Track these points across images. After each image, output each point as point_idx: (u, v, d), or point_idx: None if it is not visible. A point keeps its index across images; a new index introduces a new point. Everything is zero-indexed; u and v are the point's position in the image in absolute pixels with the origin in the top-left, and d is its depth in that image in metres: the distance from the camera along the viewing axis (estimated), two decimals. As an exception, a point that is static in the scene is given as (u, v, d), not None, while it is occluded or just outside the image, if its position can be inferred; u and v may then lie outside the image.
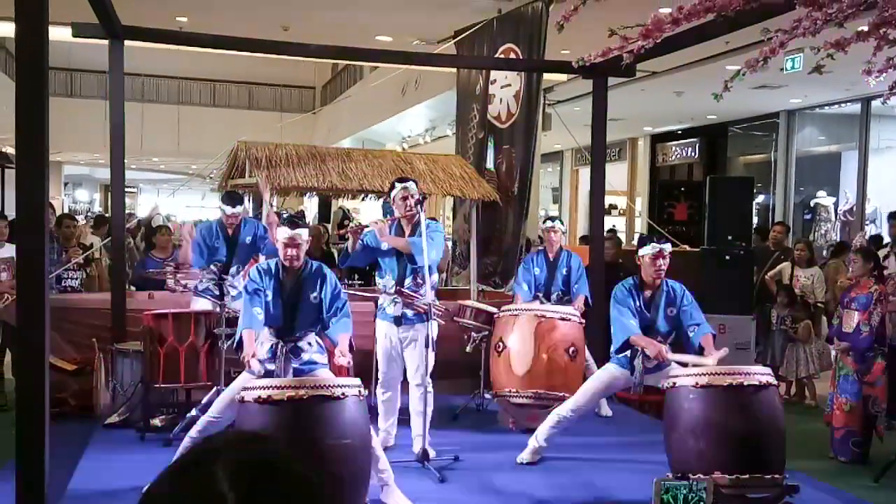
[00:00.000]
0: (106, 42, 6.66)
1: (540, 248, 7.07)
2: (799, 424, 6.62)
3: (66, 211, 22.43)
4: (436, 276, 5.44)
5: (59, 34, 6.74)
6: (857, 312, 6.08)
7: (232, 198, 6.48)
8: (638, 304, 5.09)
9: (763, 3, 3.49)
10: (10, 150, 17.65)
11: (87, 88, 25.42)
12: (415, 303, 5.28)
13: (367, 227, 5.57)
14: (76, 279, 7.96)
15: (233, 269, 6.19)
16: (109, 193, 7.54)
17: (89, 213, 26.87)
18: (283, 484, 0.90)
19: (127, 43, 6.78)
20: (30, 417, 3.96)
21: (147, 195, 36.66)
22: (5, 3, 3.96)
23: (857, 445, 6.05)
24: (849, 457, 6.05)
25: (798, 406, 7.86)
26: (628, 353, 5.03)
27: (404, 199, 5.33)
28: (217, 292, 6.04)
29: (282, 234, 4.50)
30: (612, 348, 5.13)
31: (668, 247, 5.07)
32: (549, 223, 6.83)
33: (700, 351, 4.95)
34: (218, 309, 5.74)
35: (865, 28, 3.31)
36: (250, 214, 6.93)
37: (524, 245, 8.32)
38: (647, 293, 5.12)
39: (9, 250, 6.59)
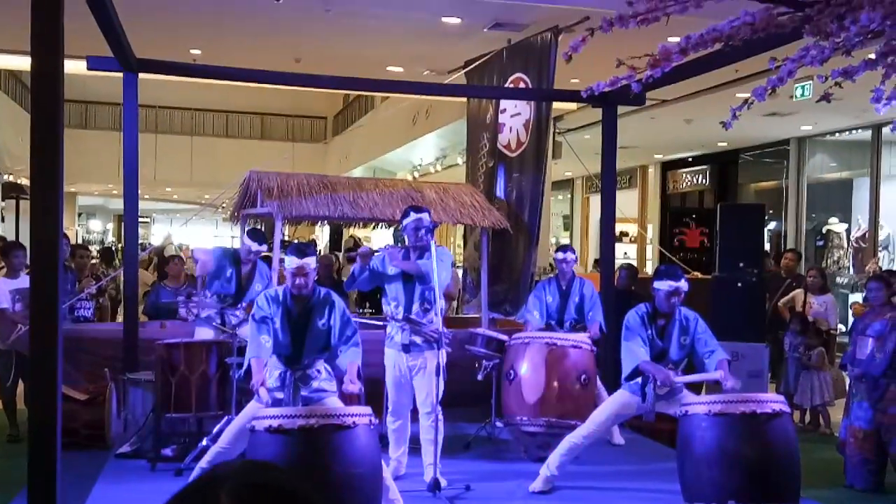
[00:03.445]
0: (120, 75, 6.75)
1: (551, 275, 7.06)
2: (813, 453, 6.54)
3: (79, 241, 22.59)
4: (442, 303, 5.43)
5: (74, 67, 6.82)
6: (871, 339, 6.03)
7: (257, 235, 6.48)
8: (650, 332, 5.08)
9: (771, 33, 3.50)
10: (26, 182, 17.82)
11: (101, 120, 25.69)
12: (423, 330, 5.27)
13: (376, 252, 5.58)
14: (89, 309, 8.01)
15: (241, 311, 6.23)
16: (123, 223, 7.59)
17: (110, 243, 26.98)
18: None
19: (141, 75, 6.86)
20: (42, 448, 3.96)
21: (160, 225, 36.89)
22: (22, 37, 4.02)
23: (871, 473, 5.97)
24: (863, 485, 5.97)
25: (812, 434, 7.78)
26: (639, 379, 5.01)
27: (416, 229, 5.34)
28: (219, 320, 6.08)
29: (290, 263, 4.51)
30: (623, 375, 5.11)
31: (683, 285, 5.04)
32: (560, 254, 6.80)
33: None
34: (224, 337, 5.76)
35: (873, 56, 3.32)
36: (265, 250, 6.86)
37: (533, 275, 8.31)
38: (661, 321, 5.10)
39: (24, 281, 6.63)
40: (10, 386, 6.93)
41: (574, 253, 6.90)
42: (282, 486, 0.91)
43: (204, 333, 6.15)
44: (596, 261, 17.76)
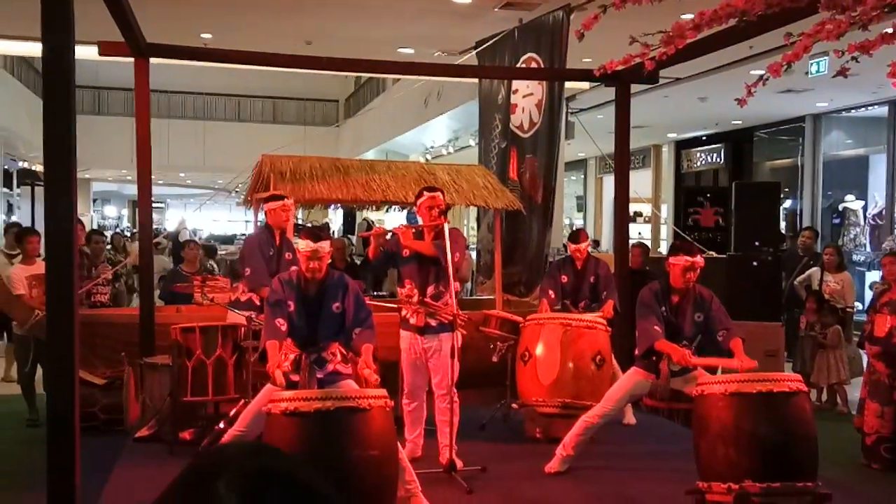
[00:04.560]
0: (132, 60, 6.75)
1: (566, 255, 7.03)
2: (830, 431, 6.52)
3: (94, 227, 22.72)
4: (457, 285, 5.42)
5: (85, 53, 6.82)
6: (889, 316, 6.00)
7: (276, 196, 6.33)
8: (664, 309, 5.05)
9: (786, 8, 3.46)
10: (40, 168, 17.91)
11: (113, 106, 25.78)
12: (438, 312, 5.27)
13: (390, 231, 5.58)
14: (105, 294, 8.06)
15: None
16: (137, 209, 7.60)
17: (124, 229, 27.07)
18: (291, 497, 0.86)
19: (152, 60, 6.85)
20: (61, 432, 4.00)
21: (174, 210, 37.07)
22: (33, 24, 4.02)
23: (888, 451, 5.95)
24: (881, 463, 5.95)
25: (829, 413, 7.76)
26: (654, 357, 5.00)
27: (430, 208, 5.34)
28: (258, 303, 5.83)
29: (304, 246, 4.51)
30: (637, 353, 5.10)
31: (699, 260, 5.01)
32: (572, 245, 6.69)
33: (730, 356, 4.92)
34: (246, 321, 5.72)
35: (890, 30, 3.28)
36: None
37: (547, 256, 8.29)
38: (675, 298, 5.08)
39: (40, 267, 6.67)
40: (29, 371, 7.00)
41: (587, 240, 6.83)
42: (281, 472, 0.88)
43: (235, 318, 6.00)
44: (595, 241, 17.72)
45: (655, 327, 4.95)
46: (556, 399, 5.88)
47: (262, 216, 6.64)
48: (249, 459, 0.89)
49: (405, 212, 10.34)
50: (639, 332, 5.05)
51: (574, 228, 12.86)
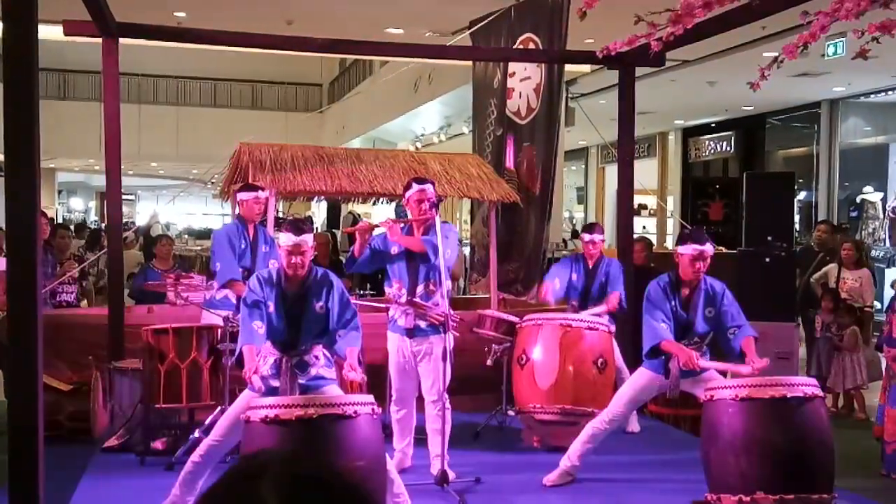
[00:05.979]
0: (100, 40, 6.71)
1: (578, 253, 7.02)
2: (848, 439, 6.54)
3: (60, 221, 22.62)
4: (449, 283, 5.40)
5: (50, 33, 6.79)
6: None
7: (250, 186, 6.31)
8: (674, 303, 5.03)
9: (801, -15, 3.46)
10: (0, 158, 17.81)
11: (80, 90, 25.69)
12: (428, 313, 5.26)
13: (377, 226, 5.56)
14: (71, 293, 8.02)
15: None
16: (106, 201, 7.58)
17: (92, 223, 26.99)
18: (330, 498, 0.95)
19: (122, 41, 6.82)
20: (23, 441, 3.98)
21: (146, 202, 36.98)
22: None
23: (910, 461, 5.97)
24: (902, 473, 5.97)
25: (847, 420, 7.79)
26: (662, 355, 4.99)
27: (419, 201, 5.32)
28: (235, 301, 5.86)
29: (286, 240, 4.48)
30: (643, 352, 5.08)
31: (709, 248, 4.99)
32: (587, 235, 6.70)
33: (741, 356, 4.91)
34: (223, 322, 5.70)
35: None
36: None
37: (545, 251, 8.29)
38: (685, 291, 5.06)
39: (2, 264, 6.63)
40: (-12, 376, 6.96)
41: (602, 233, 6.79)
42: (321, 476, 0.97)
43: (211, 319, 5.97)
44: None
45: (662, 324, 4.94)
46: (555, 405, 5.89)
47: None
48: (292, 461, 0.99)
49: (393, 205, 10.33)
50: (645, 328, 5.04)
51: (587, 222, 12.87)
